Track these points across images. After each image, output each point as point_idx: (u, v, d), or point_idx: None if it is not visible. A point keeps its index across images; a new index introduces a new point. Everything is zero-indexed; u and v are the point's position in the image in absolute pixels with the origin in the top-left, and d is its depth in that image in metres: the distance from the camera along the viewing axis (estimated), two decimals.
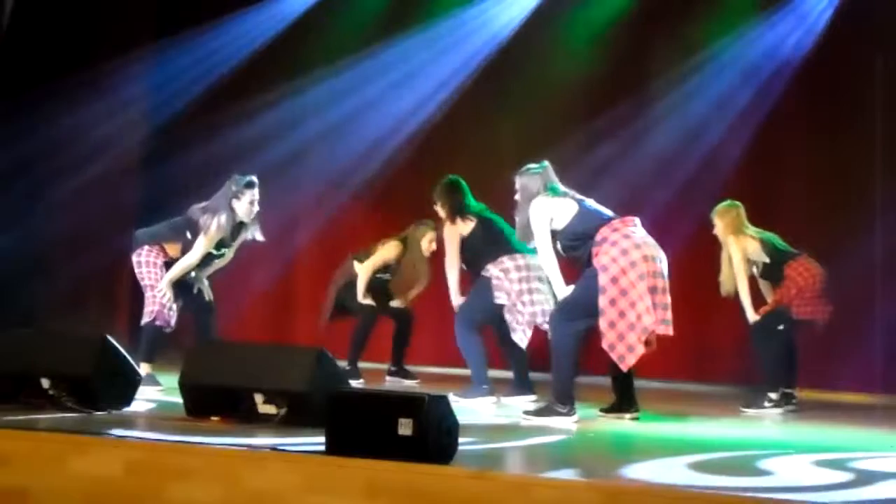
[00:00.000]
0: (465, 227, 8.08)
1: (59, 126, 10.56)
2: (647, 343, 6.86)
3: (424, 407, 5.00)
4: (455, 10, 10.92)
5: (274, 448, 5.28)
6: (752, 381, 8.55)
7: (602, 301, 6.83)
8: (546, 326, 7.60)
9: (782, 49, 9.99)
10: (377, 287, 9.42)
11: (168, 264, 8.11)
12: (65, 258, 10.70)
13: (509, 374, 8.16)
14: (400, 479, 4.77)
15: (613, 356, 6.87)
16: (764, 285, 8.46)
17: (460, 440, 5.20)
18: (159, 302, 7.98)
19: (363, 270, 9.32)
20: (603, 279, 6.84)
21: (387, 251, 9.35)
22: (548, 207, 7.10)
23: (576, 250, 7.05)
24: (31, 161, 10.43)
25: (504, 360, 8.21)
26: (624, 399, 7.23)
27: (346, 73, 11.01)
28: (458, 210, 8.11)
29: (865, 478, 5.38)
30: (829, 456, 5.96)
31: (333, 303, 9.51)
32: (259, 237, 8.24)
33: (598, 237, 6.93)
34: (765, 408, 8.11)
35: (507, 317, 7.92)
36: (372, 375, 9.35)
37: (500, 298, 7.90)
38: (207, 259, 8.11)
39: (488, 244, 8.00)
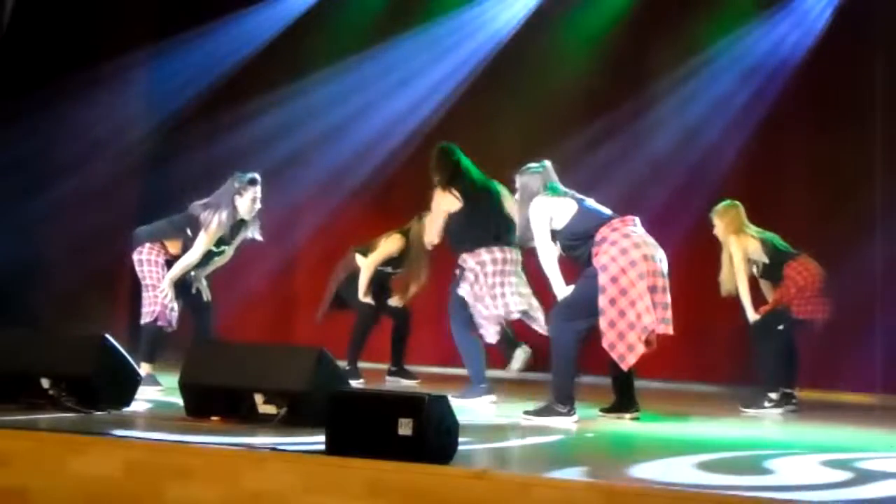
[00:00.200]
0: (453, 204, 8.03)
1: (59, 126, 10.57)
2: (647, 342, 6.86)
3: (424, 407, 5.00)
4: (455, 11, 10.92)
5: (274, 448, 5.28)
6: (752, 381, 8.55)
7: (602, 300, 6.83)
8: (516, 317, 7.76)
9: (782, 49, 9.99)
10: (379, 280, 9.42)
11: (169, 262, 8.10)
12: (65, 258, 10.71)
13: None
14: (400, 479, 4.77)
15: (614, 355, 6.87)
16: (764, 285, 8.46)
17: (460, 440, 5.20)
18: (161, 302, 7.98)
19: (366, 266, 9.31)
20: (603, 278, 6.84)
21: (390, 244, 9.35)
22: (547, 207, 7.10)
23: (575, 250, 7.05)
24: (32, 161, 10.44)
25: (504, 359, 8.19)
26: (624, 399, 7.23)
27: (346, 73, 11.01)
28: (448, 179, 8.05)
29: (866, 477, 5.38)
30: (829, 456, 5.96)
31: (333, 295, 9.51)
32: (258, 237, 8.24)
33: (597, 237, 6.93)
34: (765, 408, 8.12)
35: (472, 311, 7.91)
36: (372, 375, 9.35)
37: (464, 290, 7.89)
38: (207, 257, 8.11)
39: (471, 228, 7.95)
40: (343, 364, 8.59)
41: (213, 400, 6.33)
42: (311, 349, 6.35)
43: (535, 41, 10.68)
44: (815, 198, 9.80)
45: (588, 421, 7.01)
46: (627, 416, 7.19)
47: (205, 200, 8.09)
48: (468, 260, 7.91)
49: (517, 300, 7.87)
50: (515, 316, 7.93)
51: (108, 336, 6.74)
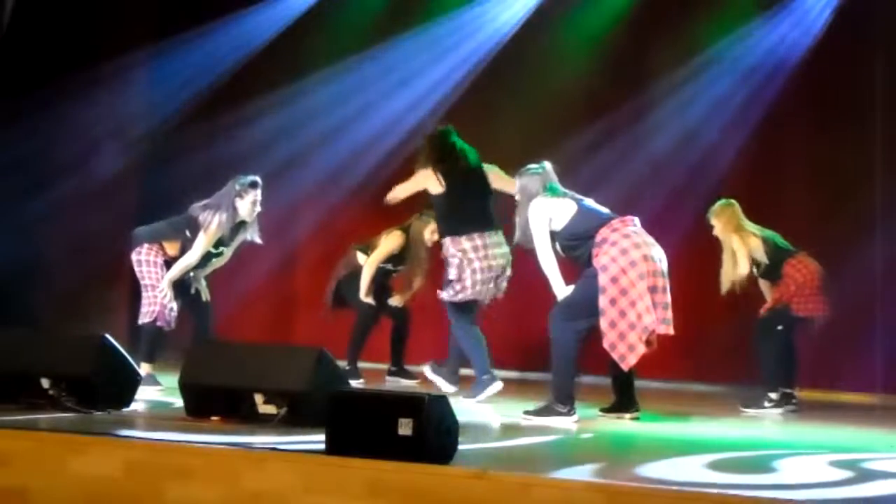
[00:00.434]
0: (435, 186, 8.01)
1: (59, 126, 10.57)
2: (648, 343, 6.86)
3: (424, 407, 5.00)
4: (455, 11, 10.91)
5: (274, 448, 5.28)
6: (752, 381, 8.55)
7: (602, 301, 6.83)
8: (481, 298, 7.91)
9: (782, 49, 9.98)
10: (380, 279, 9.42)
11: (168, 263, 8.11)
12: (65, 258, 10.70)
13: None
14: (400, 479, 4.77)
15: (614, 356, 6.87)
16: (763, 284, 8.46)
17: (460, 440, 5.20)
18: (160, 302, 7.98)
19: (368, 264, 9.31)
20: (603, 279, 6.84)
21: (391, 241, 9.35)
22: (547, 208, 7.10)
23: (575, 250, 7.05)
24: (32, 161, 10.44)
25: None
26: (624, 399, 7.24)
27: (346, 73, 11.01)
28: (436, 161, 8.03)
29: (866, 477, 5.38)
30: (830, 456, 5.96)
31: (333, 293, 9.52)
32: (257, 239, 8.25)
33: (597, 238, 6.93)
34: (765, 408, 8.12)
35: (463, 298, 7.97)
36: (372, 375, 9.35)
37: (447, 294, 7.94)
38: (205, 258, 8.11)
39: (455, 214, 7.96)
40: (343, 364, 8.60)
41: (213, 400, 6.33)
42: (311, 349, 6.35)
43: (535, 41, 10.68)
44: (815, 198, 9.79)
45: (588, 421, 7.01)
46: (627, 416, 7.19)
47: (204, 202, 8.09)
48: (450, 247, 7.94)
49: (489, 290, 7.95)
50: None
51: (107, 336, 6.74)
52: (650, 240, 7.02)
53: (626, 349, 6.84)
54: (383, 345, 9.59)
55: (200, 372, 6.45)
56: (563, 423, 6.84)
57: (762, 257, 8.28)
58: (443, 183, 7.95)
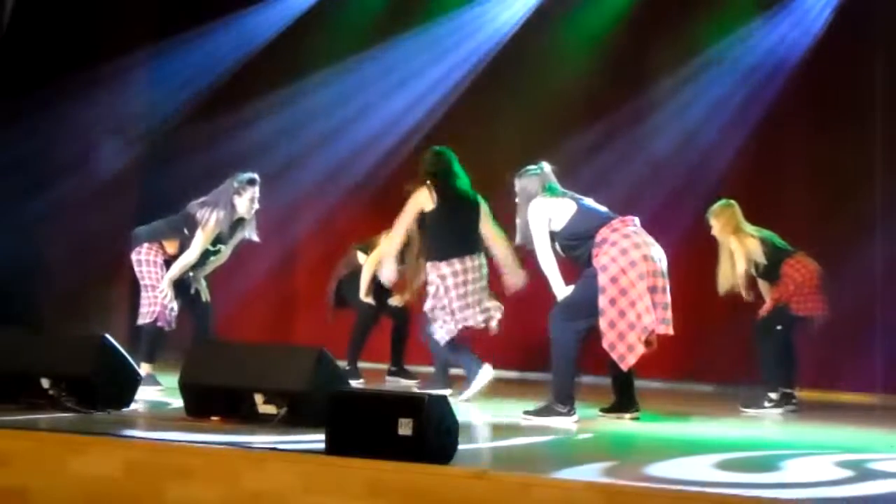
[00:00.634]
0: (427, 202, 8.04)
1: (59, 126, 10.56)
2: (647, 343, 6.86)
3: (424, 407, 5.00)
4: (455, 11, 10.91)
5: (274, 448, 5.28)
6: (752, 381, 8.55)
7: (602, 301, 6.83)
8: (471, 323, 7.93)
9: (782, 49, 9.98)
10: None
11: (167, 262, 8.11)
12: (65, 258, 10.70)
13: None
14: (400, 479, 4.77)
15: (614, 356, 6.87)
16: (762, 285, 8.46)
17: (460, 440, 5.20)
18: (160, 302, 7.98)
19: (369, 264, 9.31)
20: (602, 279, 6.84)
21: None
22: (546, 208, 7.10)
23: (575, 250, 7.05)
24: (32, 161, 10.43)
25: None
26: (624, 399, 7.24)
27: (345, 73, 11.01)
28: (432, 176, 8.07)
29: (866, 476, 5.38)
30: (830, 456, 5.96)
31: (335, 293, 9.52)
32: (254, 237, 8.25)
33: (597, 238, 6.93)
34: (765, 408, 8.12)
35: (431, 316, 8.03)
36: (372, 375, 9.35)
37: (427, 306, 8.03)
38: (204, 257, 8.11)
39: (442, 237, 7.99)
40: (343, 364, 8.60)
41: (213, 400, 6.33)
42: (311, 349, 6.35)
43: (535, 41, 10.67)
44: (815, 198, 9.79)
45: (588, 421, 7.01)
46: (627, 416, 7.19)
47: (202, 199, 8.10)
48: (430, 272, 7.97)
49: (476, 315, 7.94)
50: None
51: (107, 336, 6.74)
52: (650, 240, 7.02)
53: (626, 349, 6.84)
54: (383, 345, 9.58)
55: (200, 372, 6.45)
56: (563, 423, 6.84)
57: (760, 258, 8.28)
58: (435, 200, 7.97)
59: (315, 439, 5.35)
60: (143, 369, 7.61)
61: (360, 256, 9.42)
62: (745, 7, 10.19)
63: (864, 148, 9.64)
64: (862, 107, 9.68)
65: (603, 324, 6.83)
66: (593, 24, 10.53)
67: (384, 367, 9.58)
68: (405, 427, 4.96)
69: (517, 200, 7.29)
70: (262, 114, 11.04)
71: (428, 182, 8.03)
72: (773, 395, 8.16)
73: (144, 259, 8.10)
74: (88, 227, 10.57)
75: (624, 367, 6.91)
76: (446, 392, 8.00)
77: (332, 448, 5.10)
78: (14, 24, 10.59)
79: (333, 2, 11.23)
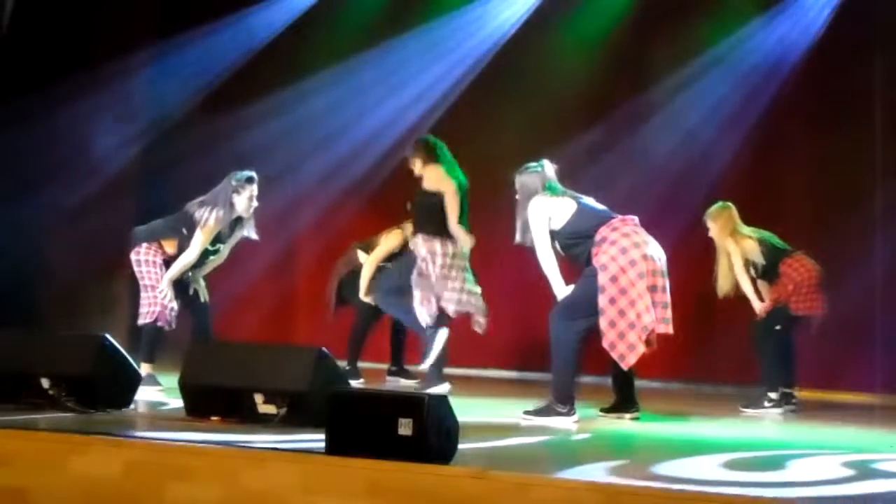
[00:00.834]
0: (448, 184, 8.16)
1: (59, 126, 10.56)
2: (647, 342, 6.86)
3: (424, 407, 5.00)
4: (455, 12, 10.92)
5: (274, 448, 5.28)
6: (752, 381, 8.55)
7: (602, 300, 6.83)
8: (450, 306, 8.03)
9: (781, 49, 9.99)
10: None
11: (167, 262, 8.10)
12: (65, 258, 10.70)
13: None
14: (400, 479, 4.77)
15: (614, 355, 6.87)
16: (761, 285, 8.46)
17: (460, 440, 5.20)
18: (160, 302, 7.98)
19: (369, 263, 9.31)
20: (602, 278, 6.84)
21: (391, 240, 9.35)
22: (546, 206, 7.10)
23: (575, 249, 7.05)
24: (32, 161, 10.44)
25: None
26: (624, 399, 7.24)
27: (345, 73, 11.02)
28: (434, 159, 8.22)
29: (866, 476, 5.38)
30: (830, 456, 5.96)
31: (336, 292, 9.52)
32: (253, 235, 8.25)
33: (597, 237, 6.93)
34: (765, 408, 8.12)
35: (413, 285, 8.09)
36: (372, 375, 9.35)
37: (413, 279, 8.11)
38: (203, 256, 8.10)
39: (438, 215, 8.10)
40: (343, 364, 8.60)
41: (213, 400, 6.33)
42: (311, 349, 6.34)
43: (535, 41, 10.68)
44: (815, 198, 9.80)
45: (588, 421, 7.01)
46: (627, 416, 7.19)
47: (201, 198, 8.09)
48: (421, 247, 7.99)
49: (464, 300, 7.97)
50: (452, 310, 8.12)
51: (108, 336, 6.74)
52: (650, 239, 7.01)
53: (626, 348, 6.84)
54: (383, 345, 9.59)
55: (200, 372, 6.45)
56: (563, 423, 6.84)
57: (759, 258, 8.29)
58: (451, 183, 8.05)
59: (315, 439, 5.34)
60: (144, 369, 7.61)
61: (361, 255, 9.42)
62: (745, 7, 10.21)
63: (864, 148, 9.65)
64: (862, 107, 9.68)
65: (603, 323, 6.82)
66: (593, 24, 10.54)
67: (384, 367, 9.58)
68: (405, 427, 4.96)
69: (517, 197, 7.29)
70: (262, 114, 11.05)
71: (434, 165, 8.12)
72: (773, 395, 8.16)
73: (143, 259, 8.10)
74: (89, 227, 10.57)
75: (624, 366, 6.91)
76: (445, 387, 8.03)
77: (332, 448, 5.09)
78: (14, 25, 10.59)
79: (333, 2, 11.24)
